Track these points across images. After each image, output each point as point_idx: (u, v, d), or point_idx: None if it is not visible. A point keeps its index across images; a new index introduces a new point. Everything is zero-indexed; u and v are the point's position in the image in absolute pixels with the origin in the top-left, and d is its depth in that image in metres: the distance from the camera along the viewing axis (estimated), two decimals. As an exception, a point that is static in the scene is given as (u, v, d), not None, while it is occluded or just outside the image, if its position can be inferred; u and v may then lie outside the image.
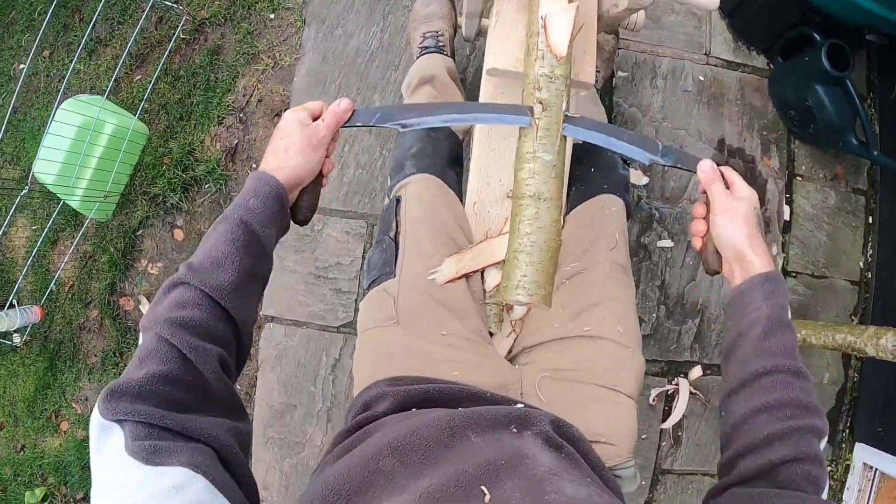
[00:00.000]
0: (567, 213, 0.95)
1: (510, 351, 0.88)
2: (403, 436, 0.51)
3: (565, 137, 0.74)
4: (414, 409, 0.65)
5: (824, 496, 0.53)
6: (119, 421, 0.44)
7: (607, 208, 0.92)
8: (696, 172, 0.68)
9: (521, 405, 0.63)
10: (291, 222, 0.68)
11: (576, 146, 0.99)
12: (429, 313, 0.79)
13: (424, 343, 0.76)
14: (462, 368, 0.75)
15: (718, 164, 0.68)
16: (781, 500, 0.50)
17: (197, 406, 0.49)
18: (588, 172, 0.99)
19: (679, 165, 0.70)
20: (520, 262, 0.71)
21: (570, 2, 0.83)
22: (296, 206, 0.68)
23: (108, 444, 0.44)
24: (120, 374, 1.73)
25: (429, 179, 0.90)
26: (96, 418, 0.45)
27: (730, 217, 0.63)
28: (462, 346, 0.77)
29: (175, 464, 0.42)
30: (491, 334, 0.88)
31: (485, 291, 0.89)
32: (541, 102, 0.72)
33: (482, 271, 0.88)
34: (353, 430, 0.64)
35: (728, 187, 0.66)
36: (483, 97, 0.97)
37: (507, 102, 0.95)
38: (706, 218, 0.67)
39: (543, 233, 0.71)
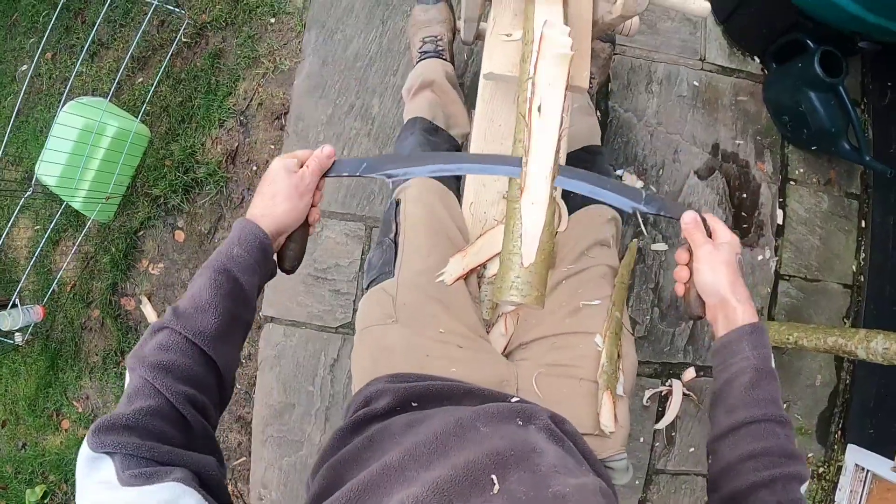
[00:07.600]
0: (563, 216, 0.97)
1: (506, 347, 0.90)
2: (413, 438, 0.53)
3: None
4: (414, 405, 0.66)
5: None
6: (109, 454, 0.45)
7: (602, 216, 0.95)
8: (678, 220, 0.68)
9: (517, 399, 0.65)
10: (278, 269, 0.68)
11: (570, 155, 1.01)
12: (427, 311, 0.80)
13: (423, 340, 0.78)
14: (459, 365, 0.76)
15: (700, 213, 0.68)
16: None
17: (181, 442, 0.50)
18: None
19: (662, 213, 0.70)
20: (513, 264, 0.72)
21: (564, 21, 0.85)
22: (282, 253, 0.68)
23: (98, 474, 0.45)
24: (121, 373, 1.74)
25: (429, 182, 0.92)
26: (85, 452, 0.46)
27: (712, 265, 0.64)
28: (459, 342, 0.79)
29: (167, 480, 0.44)
30: (488, 331, 0.90)
31: (482, 276, 0.90)
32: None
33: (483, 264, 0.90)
34: (355, 427, 0.66)
35: (710, 234, 0.67)
36: (480, 100, 0.99)
37: (503, 106, 0.97)
38: (689, 264, 0.68)
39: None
